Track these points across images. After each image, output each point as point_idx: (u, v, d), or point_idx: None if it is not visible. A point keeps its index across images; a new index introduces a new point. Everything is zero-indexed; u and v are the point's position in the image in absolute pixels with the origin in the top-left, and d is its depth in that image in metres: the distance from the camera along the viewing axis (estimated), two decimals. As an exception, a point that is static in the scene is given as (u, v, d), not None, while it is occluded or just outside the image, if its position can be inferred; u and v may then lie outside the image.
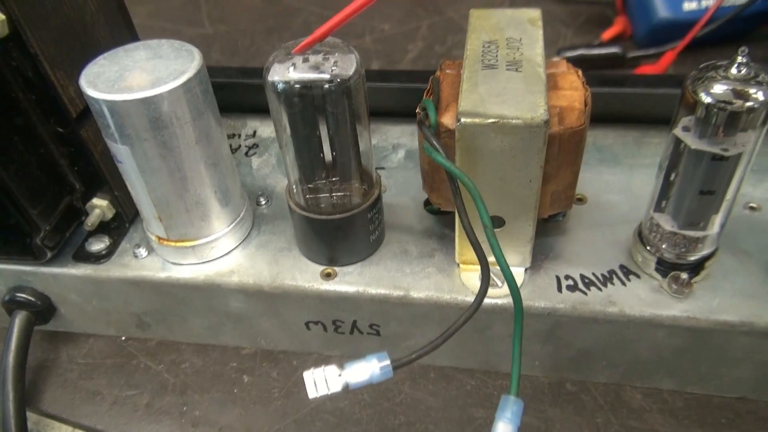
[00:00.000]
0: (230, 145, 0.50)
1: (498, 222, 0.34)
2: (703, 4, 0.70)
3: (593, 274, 0.36)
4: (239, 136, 0.50)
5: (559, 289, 0.35)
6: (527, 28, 0.36)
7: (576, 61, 0.74)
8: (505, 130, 0.30)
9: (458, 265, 0.37)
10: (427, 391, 0.39)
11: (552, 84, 0.36)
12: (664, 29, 0.70)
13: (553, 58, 0.71)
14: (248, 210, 0.41)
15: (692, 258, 0.34)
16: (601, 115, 0.47)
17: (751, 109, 0.28)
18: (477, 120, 0.30)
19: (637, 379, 0.38)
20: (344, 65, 0.32)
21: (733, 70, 0.28)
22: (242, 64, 0.82)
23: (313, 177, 0.35)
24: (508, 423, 0.28)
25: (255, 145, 0.49)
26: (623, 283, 0.35)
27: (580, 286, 0.36)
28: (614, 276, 0.36)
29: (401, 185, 0.44)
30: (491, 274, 0.36)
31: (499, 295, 0.35)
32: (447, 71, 0.37)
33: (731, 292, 0.34)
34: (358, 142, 0.35)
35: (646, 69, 0.68)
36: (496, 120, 0.30)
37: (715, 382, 0.37)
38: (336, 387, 0.28)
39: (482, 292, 0.30)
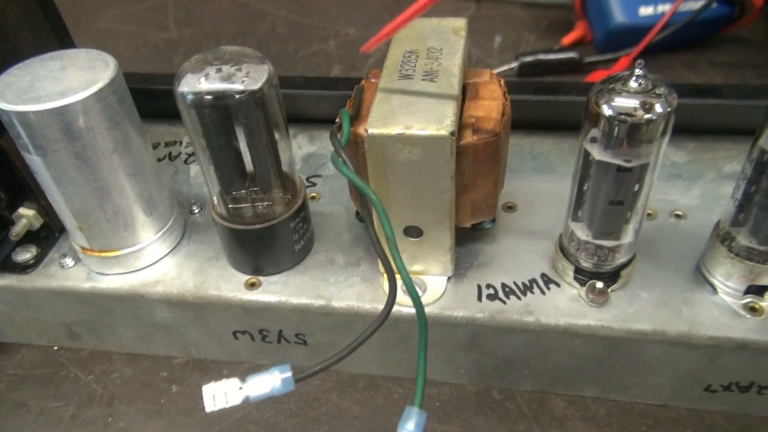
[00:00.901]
0: (170, 153, 0.50)
1: (416, 232, 0.34)
2: (660, 9, 0.71)
3: (515, 283, 0.36)
4: (180, 143, 0.50)
5: (479, 299, 0.36)
6: (450, 38, 0.36)
7: (533, 66, 0.75)
8: (411, 141, 0.30)
9: (382, 274, 0.37)
10: (354, 400, 0.39)
11: (473, 93, 0.36)
12: (621, 34, 0.71)
13: (511, 63, 0.72)
14: (178, 219, 0.40)
15: (608, 267, 0.35)
16: (538, 123, 0.47)
17: (649, 121, 0.28)
18: (384, 131, 0.30)
19: (561, 387, 0.38)
20: (256, 76, 0.32)
21: (632, 83, 0.28)
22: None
23: (231, 187, 0.35)
24: (410, 434, 0.28)
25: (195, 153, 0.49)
26: (543, 292, 0.36)
27: (500, 295, 0.36)
28: (535, 285, 0.36)
29: (336, 194, 0.44)
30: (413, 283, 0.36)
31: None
32: (372, 80, 0.37)
33: (647, 301, 0.34)
34: (277, 151, 0.35)
35: (600, 74, 0.68)
36: (402, 131, 0.30)
37: (636, 389, 0.37)
38: (236, 400, 0.28)
39: (389, 304, 0.30)
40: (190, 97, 0.31)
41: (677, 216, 0.40)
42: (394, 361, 0.39)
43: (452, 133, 0.29)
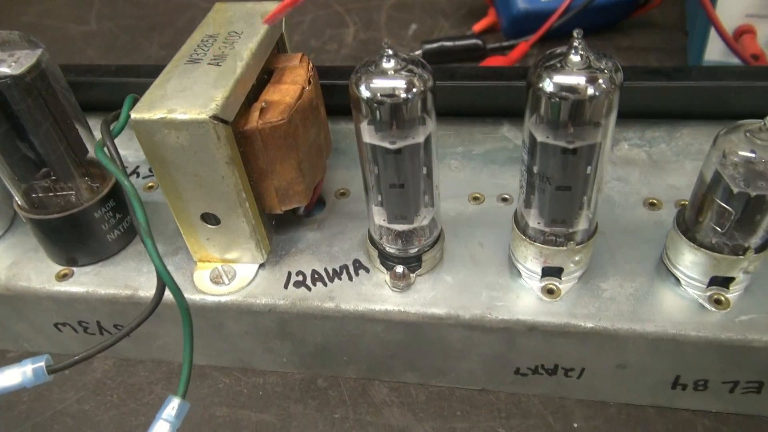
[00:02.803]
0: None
1: (213, 219, 0.34)
2: (563, -5, 0.70)
3: (325, 269, 0.36)
4: None
5: (286, 286, 0.35)
6: (254, 23, 0.36)
7: (437, 54, 0.75)
8: (174, 126, 0.29)
9: (196, 263, 0.37)
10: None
11: (277, 78, 0.35)
12: (525, 20, 0.70)
13: (416, 51, 0.72)
14: (2, 210, 0.40)
15: (413, 251, 0.34)
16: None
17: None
18: (147, 115, 0.29)
19: (384, 374, 0.38)
20: (25, 60, 0.31)
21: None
22: (115, 61, 0.81)
23: (25, 176, 0.34)
24: (167, 423, 0.28)
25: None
26: (350, 278, 0.35)
27: (308, 281, 0.35)
28: (345, 271, 0.36)
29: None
30: (220, 270, 0.36)
31: (223, 292, 0.35)
32: None
33: (450, 285, 0.34)
34: (75, 138, 0.34)
35: (497, 60, 0.68)
36: (164, 115, 0.29)
37: (452, 374, 0.37)
38: (-20, 391, 0.27)
39: (158, 296, 0.29)
40: (-45, 83, 0.30)
41: (504, 200, 0.39)
42: (216, 351, 0.39)
43: (214, 117, 0.29)
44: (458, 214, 0.38)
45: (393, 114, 0.28)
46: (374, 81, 0.28)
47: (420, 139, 0.29)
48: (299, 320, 0.35)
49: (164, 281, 0.28)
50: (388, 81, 0.28)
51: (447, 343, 0.34)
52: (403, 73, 0.28)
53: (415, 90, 0.28)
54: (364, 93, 0.28)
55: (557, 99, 0.26)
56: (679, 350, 0.31)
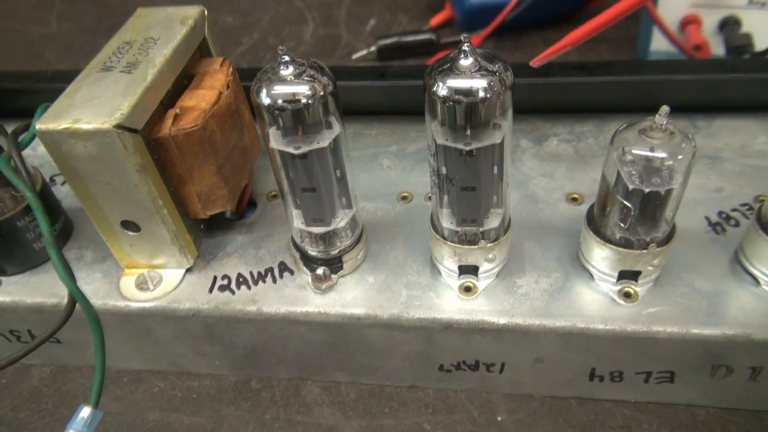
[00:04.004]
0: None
1: (133, 226, 0.34)
2: (514, -12, 0.70)
3: (251, 273, 0.36)
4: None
5: (211, 290, 0.35)
6: (173, 28, 0.36)
7: (392, 49, 0.75)
8: (80, 136, 0.29)
9: (123, 269, 0.37)
10: (113, 396, 0.39)
11: (195, 84, 0.35)
12: (478, 14, 0.70)
13: (371, 47, 0.72)
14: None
15: (333, 253, 0.34)
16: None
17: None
18: (51, 126, 0.29)
19: (315, 374, 0.38)
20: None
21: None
22: (73, 63, 0.81)
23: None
24: (77, 432, 0.28)
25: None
26: (275, 281, 0.36)
27: (232, 285, 0.36)
28: (270, 274, 0.36)
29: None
30: (146, 276, 0.36)
31: (147, 298, 0.35)
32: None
33: (371, 285, 0.35)
34: (-7, 149, 0.34)
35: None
36: (69, 125, 0.29)
37: (381, 372, 0.37)
38: None
39: (69, 307, 0.30)
40: None
41: (431, 198, 0.40)
42: (151, 355, 0.39)
43: (119, 126, 0.29)
44: (386, 214, 0.39)
45: (295, 120, 0.29)
46: (274, 88, 0.28)
47: (325, 143, 0.30)
48: (224, 324, 0.35)
49: (70, 291, 0.28)
50: (288, 87, 0.28)
51: (369, 342, 0.35)
52: (302, 78, 0.28)
53: (314, 95, 0.28)
54: (265, 100, 0.28)
55: (451, 102, 0.27)
56: (590, 344, 0.32)
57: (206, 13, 0.38)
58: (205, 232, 0.38)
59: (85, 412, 0.28)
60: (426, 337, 0.34)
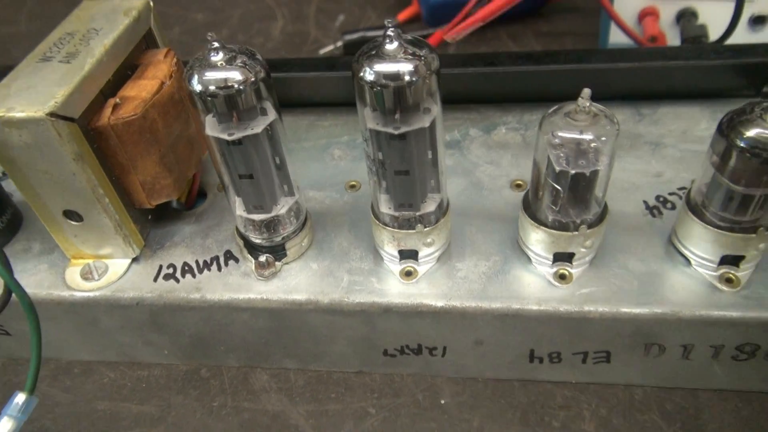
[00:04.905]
0: None
1: (75, 216, 0.34)
2: (478, -16, 0.71)
3: (197, 261, 0.36)
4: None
5: (155, 279, 0.36)
6: (116, 19, 0.36)
7: (357, 44, 0.75)
8: (14, 125, 0.29)
9: (69, 259, 0.37)
10: (63, 387, 0.39)
11: (138, 74, 0.36)
12: (443, 9, 0.71)
13: (337, 42, 0.72)
14: None
15: (277, 240, 0.35)
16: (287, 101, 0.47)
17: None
18: (-15, 115, 0.29)
19: (264, 361, 0.39)
20: None
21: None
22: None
23: None
24: (11, 419, 0.28)
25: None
26: (219, 269, 0.36)
27: (177, 274, 0.36)
28: (215, 262, 0.36)
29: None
30: (91, 266, 0.36)
31: (92, 288, 0.35)
32: None
33: (314, 272, 0.35)
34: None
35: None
36: (2, 114, 0.29)
37: (328, 358, 0.38)
38: None
39: (5, 296, 0.30)
40: None
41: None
42: (101, 346, 0.39)
43: (52, 114, 0.29)
44: (333, 203, 0.39)
45: (228, 106, 0.29)
46: (203, 74, 0.28)
47: (259, 129, 0.30)
48: (168, 312, 0.35)
49: (5, 281, 0.28)
50: (216, 73, 0.28)
51: (313, 328, 0.35)
52: (233, 64, 0.28)
53: (245, 80, 0.28)
54: (196, 87, 0.29)
55: (378, 87, 0.27)
56: (526, 325, 0.33)
57: (152, 4, 0.38)
58: (154, 222, 0.39)
59: (20, 398, 0.28)
60: (367, 322, 0.34)
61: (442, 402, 0.36)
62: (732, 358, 0.32)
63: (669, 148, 0.40)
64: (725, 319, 0.30)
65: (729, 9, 0.52)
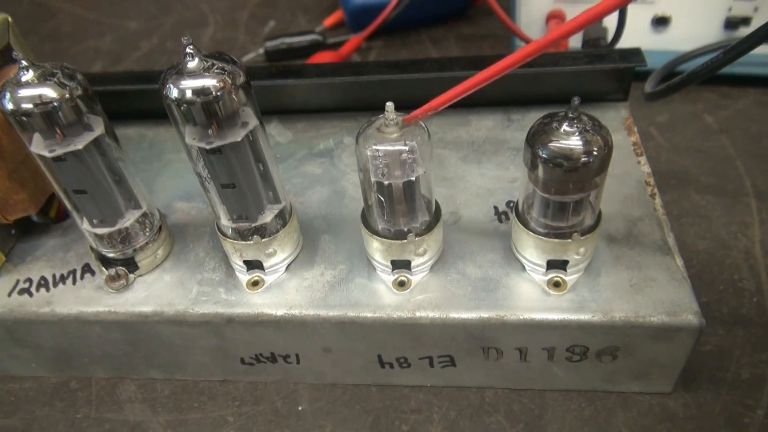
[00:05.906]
0: None
1: (-76, 233, 0.34)
2: (397, -12, 0.71)
3: (54, 275, 0.37)
4: None
5: (10, 294, 0.36)
6: (-33, 36, 0.36)
7: (280, 51, 0.75)
8: None
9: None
10: (-68, 403, 0.39)
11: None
12: (363, 14, 0.72)
13: (258, 49, 0.72)
14: None
15: (128, 252, 0.35)
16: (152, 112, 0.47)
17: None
18: None
19: (131, 372, 0.39)
20: None
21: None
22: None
23: None
24: None
25: None
26: (74, 282, 0.36)
27: (32, 288, 0.36)
28: (72, 275, 0.37)
29: None
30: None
31: (-55, 304, 0.36)
32: None
33: (166, 284, 0.35)
34: None
35: (325, 56, 0.69)
36: None
37: (190, 368, 0.38)
38: None
39: None
40: None
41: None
42: (-32, 361, 0.39)
43: None
44: (198, 213, 0.39)
45: (47, 119, 0.29)
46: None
47: (80, 146, 0.30)
48: (22, 326, 0.36)
49: None
50: (33, 90, 0.29)
51: (166, 339, 0.36)
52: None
53: (65, 94, 0.29)
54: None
55: (184, 105, 0.28)
56: (365, 332, 0.33)
57: (10, 20, 0.38)
58: (19, 236, 0.39)
59: None
60: (215, 332, 0.35)
61: (300, 408, 0.37)
62: (566, 359, 0.33)
63: (533, 152, 0.41)
64: (547, 322, 0.31)
65: (631, 11, 0.52)
